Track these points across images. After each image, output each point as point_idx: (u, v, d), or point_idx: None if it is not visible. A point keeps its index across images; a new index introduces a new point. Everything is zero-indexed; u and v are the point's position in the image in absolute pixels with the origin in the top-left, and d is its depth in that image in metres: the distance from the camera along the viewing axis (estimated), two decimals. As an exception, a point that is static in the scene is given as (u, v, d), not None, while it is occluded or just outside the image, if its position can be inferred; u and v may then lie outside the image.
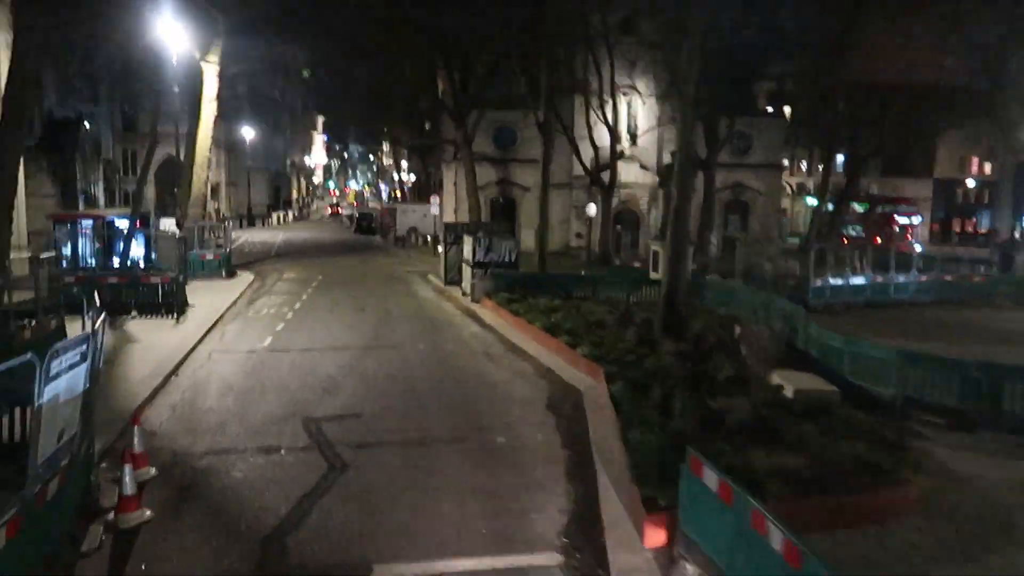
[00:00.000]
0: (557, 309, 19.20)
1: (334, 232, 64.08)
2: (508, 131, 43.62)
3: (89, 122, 64.77)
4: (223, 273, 28.51)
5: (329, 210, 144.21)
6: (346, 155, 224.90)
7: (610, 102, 36.75)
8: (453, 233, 27.32)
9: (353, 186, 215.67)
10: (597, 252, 37.18)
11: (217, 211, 58.71)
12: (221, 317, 20.60)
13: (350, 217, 75.02)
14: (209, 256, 28.81)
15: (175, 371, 14.56)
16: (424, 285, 28.97)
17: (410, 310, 22.85)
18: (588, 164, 37.00)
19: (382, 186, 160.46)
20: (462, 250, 26.93)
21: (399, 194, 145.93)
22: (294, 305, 23.17)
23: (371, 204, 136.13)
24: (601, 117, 36.18)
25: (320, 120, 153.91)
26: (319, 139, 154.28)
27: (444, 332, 19.42)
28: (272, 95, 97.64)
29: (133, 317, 19.55)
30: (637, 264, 32.52)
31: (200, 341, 17.32)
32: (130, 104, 69.66)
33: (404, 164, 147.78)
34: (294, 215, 78.46)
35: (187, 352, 15.99)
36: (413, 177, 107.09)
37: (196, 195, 30.33)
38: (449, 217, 48.58)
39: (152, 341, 16.79)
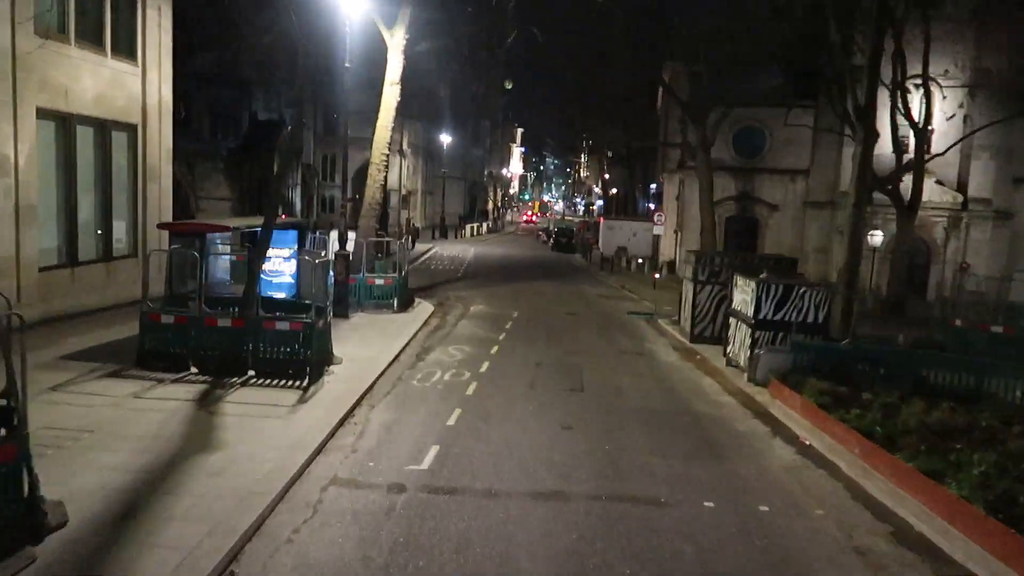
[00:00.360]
0: (955, 431, 10.19)
1: (530, 248, 57.47)
2: (754, 133, 34.46)
3: (291, 124, 62.63)
4: (395, 304, 21.82)
5: (524, 217, 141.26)
6: (541, 168, 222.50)
7: (914, 91, 26.75)
8: (707, 267, 18.75)
9: (548, 198, 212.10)
10: (882, 296, 27.17)
11: (408, 221, 53.81)
12: (371, 388, 13.38)
13: (546, 231, 68.37)
14: (379, 281, 22.24)
15: (233, 560, 7.18)
16: (659, 340, 20.55)
17: (656, 395, 14.48)
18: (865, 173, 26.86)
19: (577, 199, 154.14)
20: (719, 294, 18.36)
21: (592, 207, 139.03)
22: (479, 367, 15.61)
23: (564, 217, 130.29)
24: (902, 111, 25.99)
25: (519, 132, 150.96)
26: (517, 151, 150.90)
27: (732, 457, 10.94)
28: (473, 103, 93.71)
29: (250, 381, 12.82)
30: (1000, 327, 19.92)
31: (319, 450, 9.96)
32: (331, 106, 67.57)
33: (600, 176, 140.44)
34: (488, 227, 73.24)
35: (285, 486, 8.61)
36: (613, 190, 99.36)
37: (369, 202, 23.98)
38: (668, 238, 39.95)
39: (240, 449, 9.54)
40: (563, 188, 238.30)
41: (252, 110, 60.56)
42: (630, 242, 47.81)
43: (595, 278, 37.24)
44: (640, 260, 42.93)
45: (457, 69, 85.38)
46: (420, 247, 49.77)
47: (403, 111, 65.26)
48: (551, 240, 61.49)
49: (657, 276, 37.08)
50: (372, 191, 23.33)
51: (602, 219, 55.56)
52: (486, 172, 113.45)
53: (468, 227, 66.25)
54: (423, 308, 22.93)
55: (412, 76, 51.83)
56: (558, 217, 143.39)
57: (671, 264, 38.71)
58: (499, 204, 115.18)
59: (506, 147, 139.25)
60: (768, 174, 33.91)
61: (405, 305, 22.15)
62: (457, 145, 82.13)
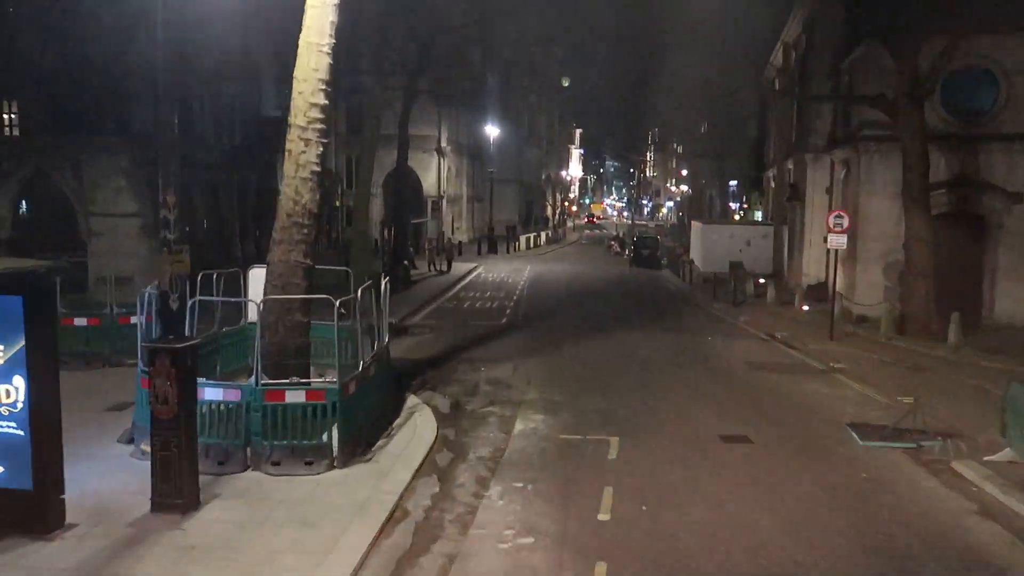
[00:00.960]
0: None
1: (601, 263, 44.52)
2: (978, 80, 20.94)
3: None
4: (332, 448, 9.12)
5: (585, 220, 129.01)
6: (601, 170, 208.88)
7: None
8: None
9: (608, 202, 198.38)
10: None
11: (441, 236, 41.44)
12: None
13: (619, 240, 55.33)
14: (295, 397, 9.35)
15: None
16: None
17: None
18: None
19: (644, 201, 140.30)
20: None
21: (661, 209, 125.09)
22: None
23: (634, 222, 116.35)
24: None
25: (577, 133, 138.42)
26: (576, 153, 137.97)
27: None
28: (528, 100, 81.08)
29: None
30: None
31: None
32: (356, 102, 56.00)
33: (667, 176, 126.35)
34: (547, 236, 60.79)
35: None
36: (685, 188, 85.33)
37: (290, 212, 11.15)
38: (814, 249, 26.55)
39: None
40: (623, 191, 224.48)
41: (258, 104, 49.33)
42: (742, 254, 34.56)
43: (712, 315, 24.18)
44: (761, 280, 29.57)
45: (509, 55, 73.33)
46: (460, 268, 37.44)
47: (441, 100, 53.35)
48: (628, 252, 48.61)
49: (805, 308, 23.82)
50: (292, 188, 10.67)
51: (697, 223, 42.36)
52: (543, 175, 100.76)
53: (523, 238, 53.75)
54: (405, 440, 10.28)
55: (451, 56, 39.66)
56: (619, 220, 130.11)
57: (819, 289, 25.46)
58: (559, 210, 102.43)
59: (564, 149, 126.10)
60: (1003, 145, 20.40)
61: (355, 446, 9.48)
62: (510, 144, 69.57)
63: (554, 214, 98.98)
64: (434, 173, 52.62)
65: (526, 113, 79.70)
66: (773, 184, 40.73)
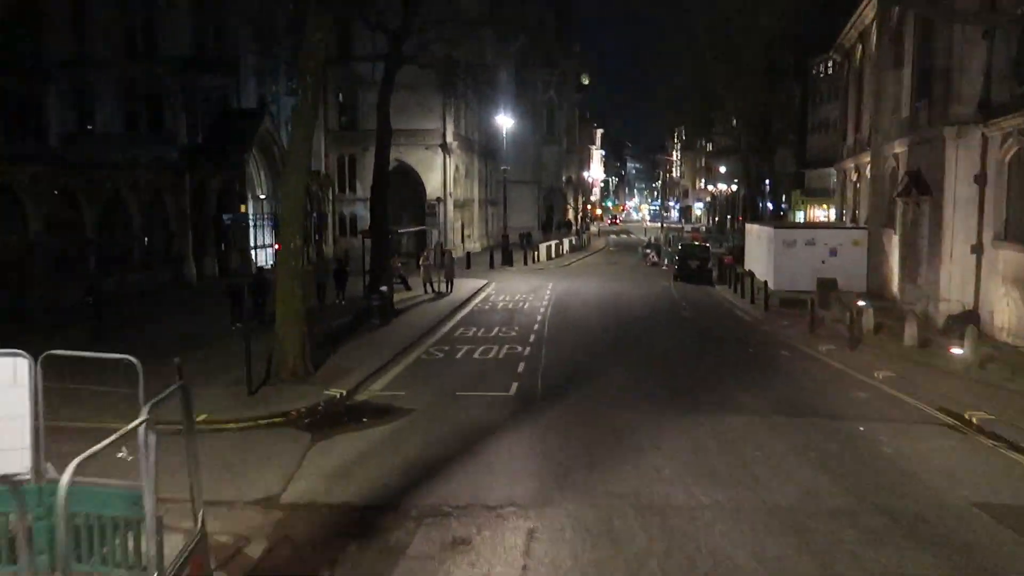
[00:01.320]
0: None
1: (637, 278, 36.35)
2: None
3: (280, 113, 43.62)
4: None
5: (609, 223, 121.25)
6: (623, 172, 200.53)
7: None
8: None
9: (631, 204, 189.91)
10: None
11: (438, 247, 33.44)
12: None
13: (654, 248, 47.20)
14: None
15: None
16: None
17: None
18: None
19: (671, 202, 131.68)
20: None
21: (690, 211, 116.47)
22: None
23: (663, 225, 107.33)
24: None
25: (599, 133, 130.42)
26: (597, 154, 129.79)
27: None
28: (546, 95, 73.22)
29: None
30: None
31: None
32: (346, 91, 48.29)
33: (696, 176, 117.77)
34: (571, 243, 52.84)
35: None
36: (724, 186, 76.66)
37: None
38: (962, 263, 18.36)
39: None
40: (646, 193, 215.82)
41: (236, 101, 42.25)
42: (826, 266, 26.40)
43: (829, 367, 16.01)
44: (860, 303, 21.27)
45: (527, 44, 65.56)
46: (464, 286, 29.63)
47: (447, 90, 45.37)
48: (670, 263, 40.54)
49: (959, 352, 15.67)
50: None
51: (757, 227, 34.06)
52: (564, 176, 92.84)
53: (544, 246, 45.79)
54: None
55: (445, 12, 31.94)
56: (646, 223, 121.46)
57: (965, 320, 17.37)
58: (583, 213, 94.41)
59: (585, 150, 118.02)
60: None
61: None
62: (526, 142, 61.76)
63: (577, 218, 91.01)
64: (439, 173, 44.91)
65: (544, 108, 71.79)
66: (856, 176, 32.43)
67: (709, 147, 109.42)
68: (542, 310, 24.24)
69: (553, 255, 46.80)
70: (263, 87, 45.90)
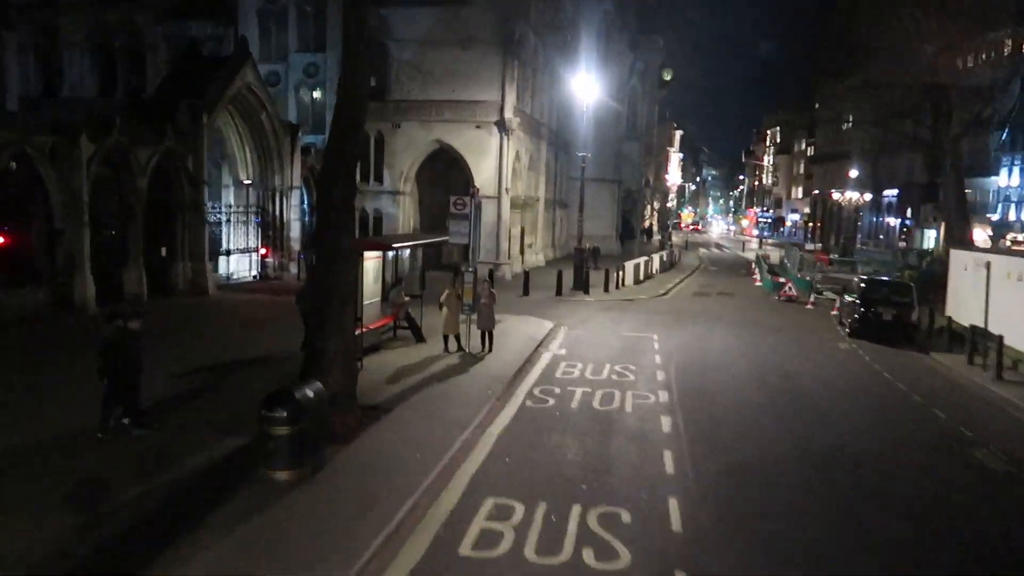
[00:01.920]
0: None
1: (781, 324, 23.26)
2: None
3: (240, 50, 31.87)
4: None
5: (689, 229, 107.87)
6: (698, 179, 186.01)
7: None
8: None
9: (710, 212, 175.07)
10: None
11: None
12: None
13: (768, 267, 34.18)
14: None
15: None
16: None
17: None
18: None
19: (753, 211, 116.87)
20: None
21: (784, 222, 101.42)
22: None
23: (728, 233, 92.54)
24: None
25: (677, 135, 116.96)
26: (675, 157, 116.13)
27: None
28: (629, 84, 60.49)
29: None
30: None
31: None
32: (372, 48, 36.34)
33: (791, 181, 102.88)
34: (662, 259, 40.09)
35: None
36: (847, 195, 61.81)
37: None
38: None
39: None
40: (721, 202, 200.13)
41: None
42: None
43: None
44: None
45: (611, 12, 53.12)
46: (512, 339, 17.52)
47: (506, 49, 31.18)
48: (804, 294, 27.80)
49: None
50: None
51: (978, 256, 20.79)
52: (643, 178, 79.93)
53: (631, 265, 33.15)
54: None
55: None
56: (732, 234, 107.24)
57: None
58: (666, 221, 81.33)
59: (663, 152, 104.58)
60: None
61: None
62: (606, 134, 49.20)
63: (660, 227, 77.96)
64: (492, 160, 32.92)
65: (626, 98, 58.85)
66: None
67: (810, 151, 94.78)
68: (664, 422, 11.86)
69: (642, 276, 34.25)
70: (268, 40, 34.76)
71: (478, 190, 15.80)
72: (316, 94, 34.78)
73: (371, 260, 15.36)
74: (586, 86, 30.07)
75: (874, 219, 79.93)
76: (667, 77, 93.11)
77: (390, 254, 16.90)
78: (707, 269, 45.26)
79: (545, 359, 16.21)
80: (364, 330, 14.72)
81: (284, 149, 28.17)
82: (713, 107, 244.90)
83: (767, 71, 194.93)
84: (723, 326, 21.90)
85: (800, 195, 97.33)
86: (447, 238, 17.46)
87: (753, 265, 44.81)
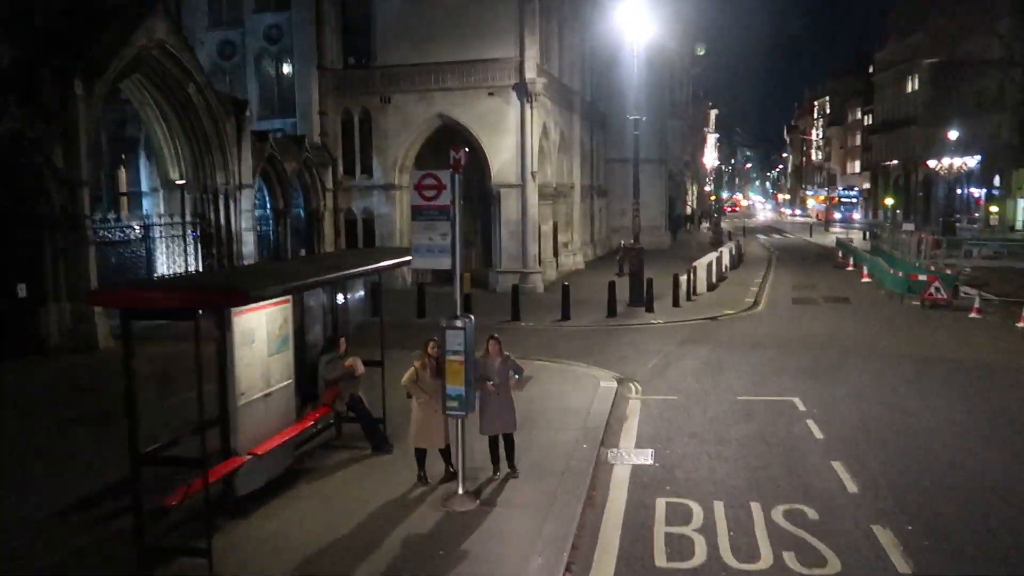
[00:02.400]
0: None
1: (971, 359, 15.19)
2: None
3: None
4: None
5: (730, 210, 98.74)
6: (733, 161, 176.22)
7: None
8: None
9: (747, 197, 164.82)
10: None
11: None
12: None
13: (879, 257, 25.63)
14: None
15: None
16: None
17: None
18: None
19: (811, 191, 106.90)
20: None
21: (834, 202, 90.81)
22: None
23: (781, 215, 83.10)
24: None
25: (713, 115, 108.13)
26: (711, 138, 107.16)
27: None
28: (668, 55, 51.60)
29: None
30: None
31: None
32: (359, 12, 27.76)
33: (846, 155, 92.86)
34: (732, 253, 31.47)
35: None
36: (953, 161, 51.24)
37: None
38: None
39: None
40: (758, 183, 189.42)
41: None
42: None
43: None
44: None
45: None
46: (542, 426, 9.58)
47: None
48: (949, 292, 19.46)
49: None
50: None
51: None
52: (684, 159, 71.37)
53: (702, 264, 24.61)
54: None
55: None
56: (780, 215, 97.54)
57: None
58: (712, 207, 72.49)
59: (699, 132, 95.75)
60: None
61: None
62: (649, 108, 40.53)
63: (705, 213, 69.19)
64: (512, 138, 24.80)
65: (667, 71, 50.04)
66: None
67: (867, 120, 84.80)
68: None
69: (714, 279, 25.90)
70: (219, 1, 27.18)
71: (464, 154, 7.31)
72: (285, 68, 27.00)
73: (260, 312, 7.49)
74: (635, 19, 21.62)
75: (947, 190, 70.20)
76: (700, 52, 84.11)
77: (317, 296, 8.98)
78: (780, 261, 36.60)
79: (620, 493, 8.04)
80: (254, 454, 6.98)
81: (227, 135, 20.39)
82: (745, 85, 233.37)
83: (805, 42, 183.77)
84: (887, 367, 13.57)
85: (858, 169, 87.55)
86: (407, 259, 9.32)
87: (841, 254, 36.09)
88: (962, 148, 58.06)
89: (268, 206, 23.42)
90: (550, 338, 16.88)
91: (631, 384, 12.43)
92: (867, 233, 49.59)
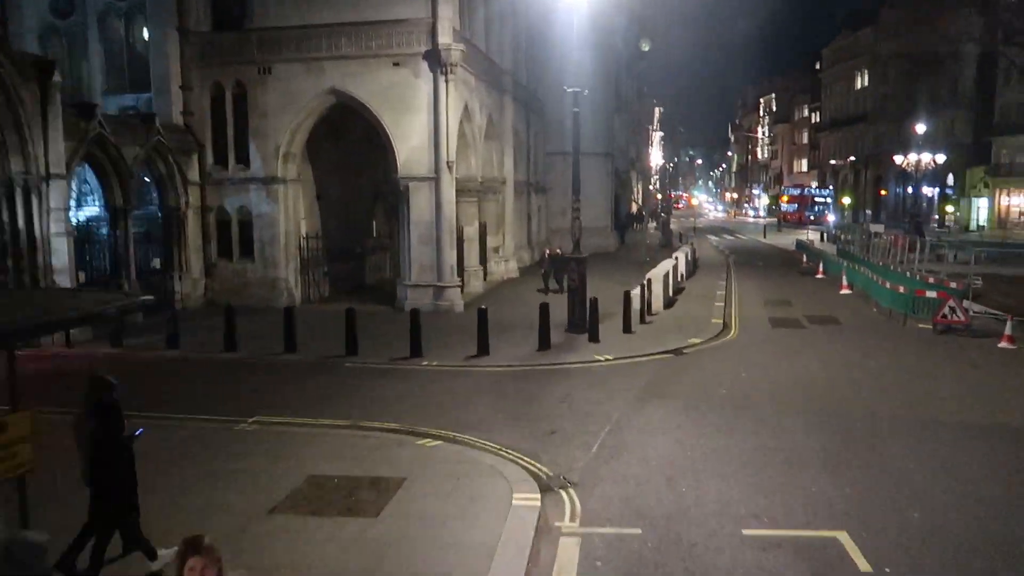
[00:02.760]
0: None
1: None
2: None
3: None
4: None
5: (678, 207, 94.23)
6: (676, 159, 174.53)
7: None
8: None
9: (692, 194, 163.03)
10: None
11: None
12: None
13: (856, 262, 21.50)
14: None
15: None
16: None
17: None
18: None
19: (756, 190, 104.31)
20: None
21: (783, 200, 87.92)
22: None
23: (731, 214, 79.93)
24: None
25: (657, 112, 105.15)
26: (656, 136, 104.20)
27: None
28: (613, 46, 47.31)
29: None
30: None
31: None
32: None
33: (791, 153, 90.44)
34: (688, 259, 26.79)
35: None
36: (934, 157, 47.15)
37: None
38: None
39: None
40: (701, 182, 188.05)
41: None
42: None
43: None
44: None
45: None
46: None
47: None
48: (960, 304, 15.31)
49: None
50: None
51: None
52: (630, 157, 67.40)
53: (657, 276, 19.97)
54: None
55: None
56: (732, 216, 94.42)
57: None
58: (660, 206, 68.68)
59: (643, 129, 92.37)
60: None
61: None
62: (594, 100, 35.59)
63: (657, 212, 65.35)
64: (423, 119, 19.74)
65: (612, 63, 45.52)
66: None
67: (815, 117, 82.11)
68: None
69: (671, 291, 21.34)
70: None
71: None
72: (138, 30, 21.42)
73: None
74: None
75: (898, 190, 67.65)
76: (645, 47, 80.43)
77: None
78: (739, 265, 32.42)
79: None
80: None
81: (24, 106, 14.87)
82: (687, 85, 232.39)
83: (750, 39, 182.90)
84: (957, 452, 9.00)
85: (805, 168, 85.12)
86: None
87: (806, 259, 32.15)
88: (917, 146, 55.30)
89: (99, 203, 17.95)
90: (456, 388, 11.98)
91: (563, 494, 7.57)
92: (825, 234, 46.04)
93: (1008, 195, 51.42)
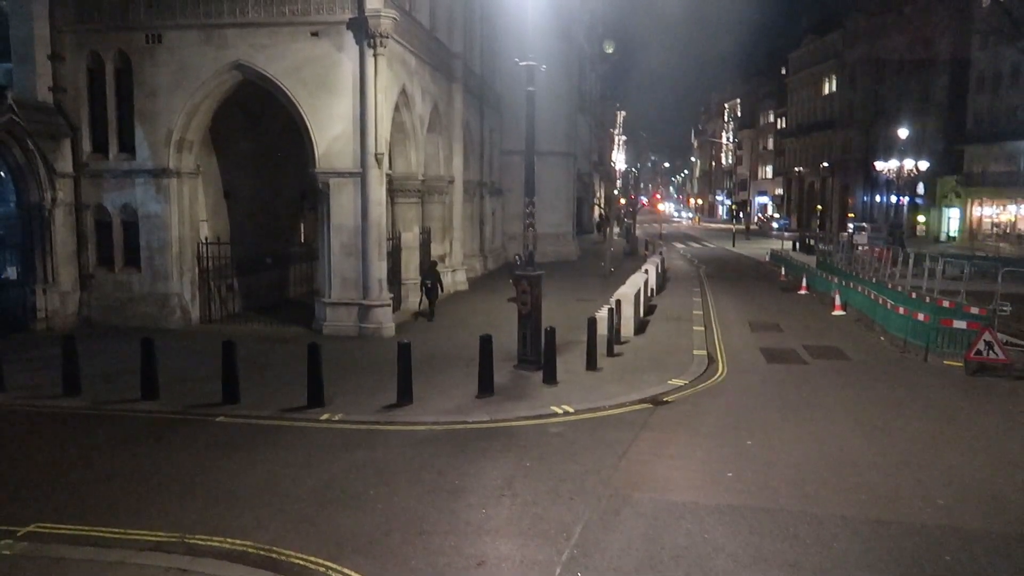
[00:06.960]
0: None
1: None
2: None
3: None
4: None
5: (645, 206, 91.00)
6: (639, 165, 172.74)
7: None
8: None
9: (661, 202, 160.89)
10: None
11: None
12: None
13: (837, 275, 18.44)
14: None
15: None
16: None
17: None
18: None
19: (720, 196, 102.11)
20: None
21: (745, 205, 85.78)
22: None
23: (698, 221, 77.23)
24: None
25: (620, 116, 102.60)
26: (619, 140, 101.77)
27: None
28: (577, 44, 44.09)
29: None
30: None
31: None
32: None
33: (756, 158, 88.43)
34: (658, 275, 23.68)
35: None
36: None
37: None
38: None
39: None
40: (663, 188, 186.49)
41: None
42: None
43: None
44: None
45: None
46: None
47: None
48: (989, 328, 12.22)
49: None
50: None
51: None
52: (591, 159, 64.53)
53: (628, 294, 16.66)
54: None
55: None
56: (695, 223, 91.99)
57: None
58: (623, 212, 65.43)
59: (605, 133, 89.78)
60: None
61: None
62: (557, 96, 31.85)
63: (621, 218, 62.11)
64: (347, 102, 16.06)
65: (575, 61, 42.22)
66: None
67: (781, 123, 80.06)
68: None
69: (641, 311, 18.03)
70: None
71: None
72: (5, -13, 17.37)
73: None
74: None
75: (865, 198, 65.67)
76: (609, 49, 77.54)
77: None
78: (711, 278, 29.32)
79: None
80: None
81: None
82: (650, 89, 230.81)
83: (715, 43, 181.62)
84: None
85: (770, 174, 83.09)
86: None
87: (784, 272, 29.19)
88: (882, 154, 53.09)
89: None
90: (355, 463, 8.39)
91: None
92: (797, 244, 43.34)
93: (980, 205, 49.41)
